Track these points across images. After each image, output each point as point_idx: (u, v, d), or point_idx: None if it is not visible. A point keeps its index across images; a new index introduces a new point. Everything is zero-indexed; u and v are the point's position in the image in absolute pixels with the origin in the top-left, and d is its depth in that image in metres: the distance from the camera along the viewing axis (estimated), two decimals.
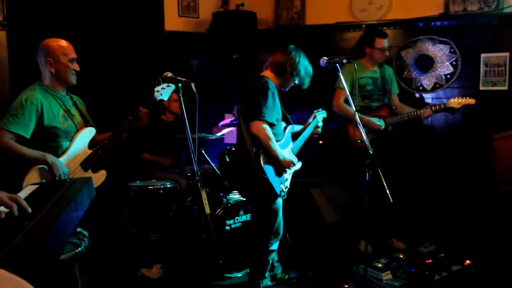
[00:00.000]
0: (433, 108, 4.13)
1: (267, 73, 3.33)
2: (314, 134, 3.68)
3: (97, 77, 4.39)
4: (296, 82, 3.35)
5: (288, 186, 3.38)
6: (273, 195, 3.19)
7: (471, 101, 4.03)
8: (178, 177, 4.20)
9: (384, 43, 4.25)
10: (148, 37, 5.13)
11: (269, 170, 3.16)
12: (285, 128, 3.49)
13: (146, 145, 4.36)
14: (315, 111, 3.74)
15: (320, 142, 4.74)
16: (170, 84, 2.96)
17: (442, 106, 4.10)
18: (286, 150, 3.37)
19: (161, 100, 3.14)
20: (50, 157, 2.77)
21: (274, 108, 3.17)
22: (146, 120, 3.11)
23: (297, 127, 3.66)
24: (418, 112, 4.18)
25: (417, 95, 4.91)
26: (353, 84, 4.14)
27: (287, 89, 3.41)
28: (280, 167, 3.23)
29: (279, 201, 3.30)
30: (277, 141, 3.24)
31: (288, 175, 3.37)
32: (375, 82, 4.34)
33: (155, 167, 4.35)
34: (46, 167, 2.77)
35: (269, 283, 3.44)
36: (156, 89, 3.04)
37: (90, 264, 2.95)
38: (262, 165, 3.12)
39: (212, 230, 2.61)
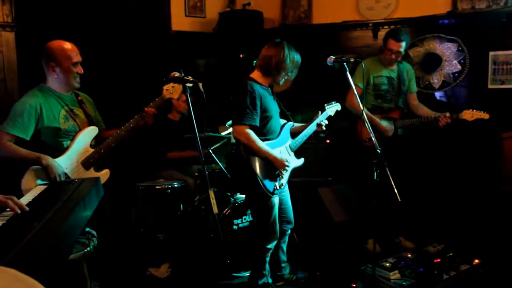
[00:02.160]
0: (447, 116, 3.99)
1: (255, 73, 3.32)
2: (318, 131, 3.61)
3: (105, 77, 4.42)
4: (289, 75, 3.29)
5: (284, 183, 3.35)
6: (264, 193, 3.18)
7: (485, 115, 3.88)
8: (186, 176, 4.21)
9: (395, 46, 4.08)
10: (155, 37, 5.14)
11: (260, 168, 3.17)
12: (282, 126, 3.46)
13: (169, 145, 4.35)
14: (325, 105, 3.66)
15: (328, 141, 4.74)
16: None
17: (454, 116, 3.99)
18: (280, 149, 3.34)
19: (170, 99, 3.15)
20: (45, 159, 2.74)
21: (256, 110, 3.13)
22: (151, 120, 3.10)
23: (299, 125, 3.62)
24: (435, 116, 4.05)
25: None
26: (367, 83, 4.14)
27: (280, 83, 3.35)
28: (272, 165, 3.22)
29: (274, 199, 3.28)
30: (270, 139, 3.26)
31: (283, 173, 3.34)
32: (391, 82, 4.26)
33: (184, 162, 4.36)
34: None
35: (269, 280, 3.44)
36: (165, 87, 3.05)
37: (99, 263, 2.97)
38: (253, 164, 3.15)
39: (219, 230, 2.61)
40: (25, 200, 1.99)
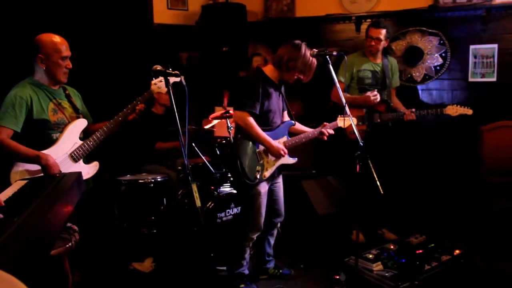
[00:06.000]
0: (421, 113, 4.07)
1: (268, 66, 3.40)
2: (320, 139, 3.54)
3: (87, 70, 4.35)
4: (300, 76, 3.31)
5: (267, 175, 3.35)
6: (244, 178, 3.23)
7: (469, 111, 3.95)
8: (169, 170, 4.19)
9: (374, 32, 4.17)
10: (137, 30, 5.09)
11: (244, 154, 3.24)
12: (282, 123, 3.48)
13: (155, 136, 4.32)
14: (339, 115, 3.55)
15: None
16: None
17: (438, 111, 4.04)
18: (277, 144, 3.36)
19: (158, 93, 3.17)
20: (44, 159, 2.75)
21: (257, 99, 3.21)
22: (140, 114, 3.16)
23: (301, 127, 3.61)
24: (403, 114, 4.16)
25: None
26: (351, 76, 4.17)
27: (291, 82, 3.39)
28: (256, 154, 3.29)
29: (259, 188, 3.31)
30: (264, 130, 3.29)
31: (269, 165, 3.36)
32: (375, 75, 4.30)
33: (169, 154, 4.34)
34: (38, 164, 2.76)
35: (246, 271, 3.46)
36: (153, 82, 3.06)
37: (81, 258, 2.95)
38: (239, 148, 3.24)
39: (202, 224, 2.61)
40: (4, 195, 1.96)
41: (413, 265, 3.19)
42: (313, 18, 5.28)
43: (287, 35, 3.41)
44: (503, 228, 4.02)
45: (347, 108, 3.09)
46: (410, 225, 4.30)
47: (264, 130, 3.29)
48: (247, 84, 3.30)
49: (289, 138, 3.48)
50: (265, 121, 3.32)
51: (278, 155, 3.32)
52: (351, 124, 3.18)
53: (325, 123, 3.57)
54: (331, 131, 3.53)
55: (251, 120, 3.20)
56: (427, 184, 4.82)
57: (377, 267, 3.21)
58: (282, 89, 3.48)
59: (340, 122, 3.56)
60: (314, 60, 3.29)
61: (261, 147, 3.32)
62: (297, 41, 3.28)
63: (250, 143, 3.28)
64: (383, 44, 4.23)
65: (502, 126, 4.39)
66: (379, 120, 4.22)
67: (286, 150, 3.35)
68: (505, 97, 4.49)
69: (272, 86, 3.34)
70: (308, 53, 3.25)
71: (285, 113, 3.59)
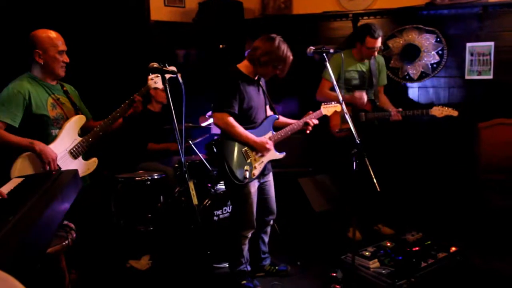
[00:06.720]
0: (407, 113, 4.06)
1: (243, 62, 3.33)
2: (304, 130, 3.53)
3: (84, 67, 4.34)
4: (276, 71, 3.26)
5: (256, 174, 3.32)
6: (233, 180, 3.20)
7: (454, 113, 3.93)
8: (166, 168, 4.19)
9: (374, 43, 4.11)
10: (134, 27, 5.07)
11: (230, 156, 3.21)
12: (266, 118, 3.44)
13: (149, 136, 4.32)
14: (322, 104, 3.56)
15: (307, 132, 4.75)
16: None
17: (424, 112, 4.03)
18: (260, 138, 3.34)
19: (155, 88, 3.17)
20: (37, 145, 2.76)
21: (235, 98, 3.17)
22: (140, 107, 3.16)
23: (285, 119, 3.58)
24: (389, 113, 4.15)
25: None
26: (340, 75, 4.15)
27: (267, 78, 3.38)
28: (243, 153, 3.26)
29: (250, 188, 3.29)
30: (249, 128, 3.27)
31: (257, 162, 3.33)
32: (362, 76, 4.29)
33: (162, 155, 4.34)
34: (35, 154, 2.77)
35: (247, 268, 3.45)
36: (150, 77, 3.07)
37: (78, 256, 2.94)
38: (225, 150, 3.21)
39: (199, 221, 2.61)
40: None
41: (409, 262, 3.20)
42: (310, 15, 5.27)
43: (284, 32, 3.39)
44: (499, 226, 4.04)
45: (344, 106, 3.09)
46: (407, 223, 4.31)
47: (247, 128, 3.26)
48: (223, 85, 3.23)
49: (274, 133, 3.44)
50: (247, 119, 3.28)
51: (264, 150, 3.29)
52: (336, 124, 3.17)
53: (310, 111, 3.54)
54: (316, 121, 3.51)
55: (231, 120, 3.17)
56: (424, 181, 4.82)
57: (374, 264, 3.22)
58: (262, 83, 3.43)
59: (325, 110, 3.55)
60: (289, 54, 3.23)
61: (247, 146, 3.28)
62: (273, 35, 3.22)
63: (236, 143, 3.24)
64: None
65: (498, 123, 4.40)
66: (364, 119, 4.21)
67: (270, 143, 3.32)
68: (501, 95, 4.51)
69: (249, 82, 3.28)
70: (283, 47, 3.19)
71: (268, 107, 3.53)
